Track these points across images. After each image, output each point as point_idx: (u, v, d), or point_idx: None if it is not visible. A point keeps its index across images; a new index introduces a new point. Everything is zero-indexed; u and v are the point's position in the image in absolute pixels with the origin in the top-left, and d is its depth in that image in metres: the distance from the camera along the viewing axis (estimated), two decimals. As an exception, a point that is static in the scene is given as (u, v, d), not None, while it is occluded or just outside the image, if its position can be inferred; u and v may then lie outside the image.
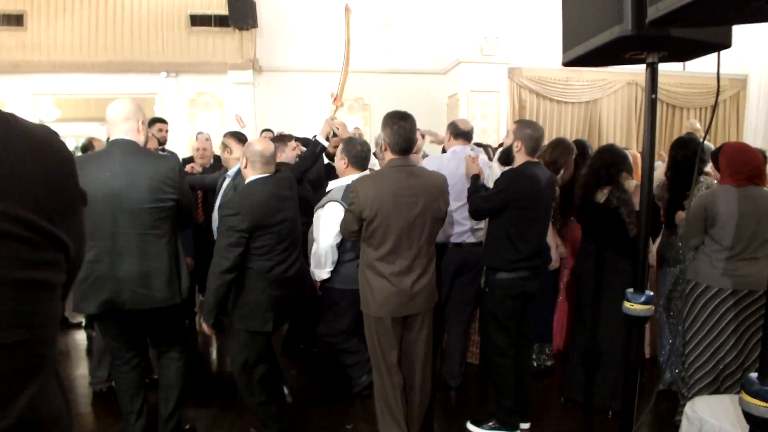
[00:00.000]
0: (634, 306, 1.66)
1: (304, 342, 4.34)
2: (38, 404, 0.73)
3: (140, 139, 2.58)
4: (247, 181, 2.81)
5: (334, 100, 4.46)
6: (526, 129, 2.93)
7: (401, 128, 2.63)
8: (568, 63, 1.76)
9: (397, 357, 2.75)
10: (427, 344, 2.85)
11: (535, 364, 3.78)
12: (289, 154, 3.84)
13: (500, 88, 8.40)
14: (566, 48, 1.73)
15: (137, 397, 2.80)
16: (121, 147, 2.51)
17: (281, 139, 4.00)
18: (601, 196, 3.15)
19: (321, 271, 3.28)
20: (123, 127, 2.52)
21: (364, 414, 3.33)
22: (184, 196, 2.66)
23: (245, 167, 2.78)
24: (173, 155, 5.02)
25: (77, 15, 7.88)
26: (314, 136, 3.91)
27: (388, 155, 2.70)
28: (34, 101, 8.11)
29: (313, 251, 3.29)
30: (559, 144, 3.72)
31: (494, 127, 8.34)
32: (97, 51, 7.91)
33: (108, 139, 2.61)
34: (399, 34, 8.47)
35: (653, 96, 1.60)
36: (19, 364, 0.71)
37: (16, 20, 7.80)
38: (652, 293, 1.67)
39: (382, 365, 2.74)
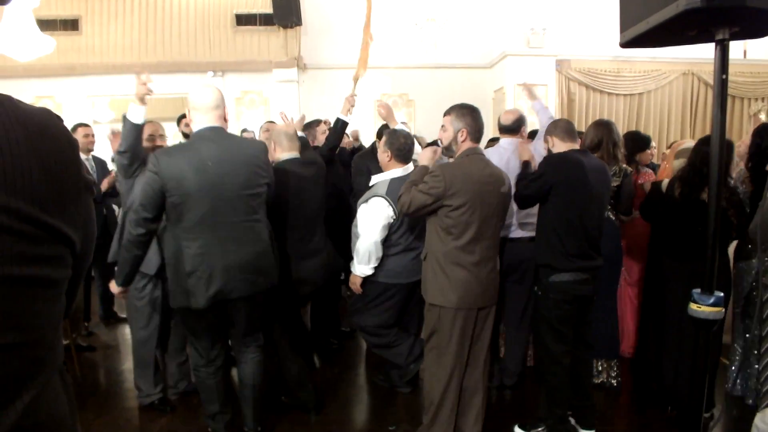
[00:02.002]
0: (701, 308, 1.52)
1: (338, 337, 4.37)
2: (38, 410, 0.68)
3: (225, 126, 2.59)
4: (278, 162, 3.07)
5: (357, 70, 4.39)
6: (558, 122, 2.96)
7: (478, 114, 2.68)
8: (626, 44, 1.61)
9: (468, 353, 2.70)
10: (490, 339, 2.79)
11: (597, 381, 3.57)
12: (320, 138, 4.18)
13: (548, 80, 8.14)
14: (624, 27, 1.59)
15: (224, 400, 2.78)
16: (214, 134, 2.48)
17: (310, 125, 4.28)
18: (705, 194, 2.83)
19: (364, 267, 3.21)
20: (213, 114, 2.49)
21: (406, 414, 3.24)
22: (272, 181, 2.70)
23: (273, 150, 3.04)
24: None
25: (129, 18, 8.09)
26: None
27: (467, 144, 2.67)
28: (89, 102, 8.37)
29: (356, 247, 3.22)
30: (601, 124, 3.43)
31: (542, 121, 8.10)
32: (147, 52, 8.11)
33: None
34: (444, 28, 8.32)
35: (723, 76, 1.45)
36: (13, 368, 0.65)
37: (72, 25, 8.08)
38: (722, 294, 1.52)
39: (450, 363, 2.65)
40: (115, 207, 5.19)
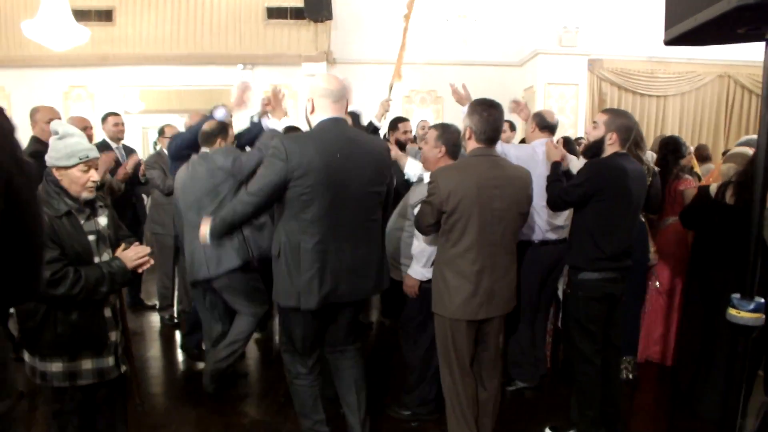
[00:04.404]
0: (741, 314, 1.48)
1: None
2: None
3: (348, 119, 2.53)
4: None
5: (393, 76, 4.30)
6: (621, 119, 2.70)
7: (490, 116, 2.47)
8: (671, 41, 1.57)
9: (470, 359, 2.61)
10: (499, 345, 2.70)
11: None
12: None
13: (579, 80, 8.05)
14: (669, 24, 1.55)
15: (321, 406, 2.65)
16: (340, 126, 2.37)
17: None
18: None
19: (423, 270, 2.89)
20: (340, 104, 2.38)
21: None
22: (392, 181, 2.57)
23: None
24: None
25: (161, 10, 8.19)
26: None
27: (472, 144, 2.54)
28: (121, 93, 8.50)
29: (413, 249, 2.94)
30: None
31: (572, 121, 8.00)
32: (178, 44, 8.20)
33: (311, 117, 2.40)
34: (475, 24, 8.25)
35: (773, 77, 1.41)
36: None
37: (106, 15, 8.21)
38: (762, 300, 1.48)
39: (455, 368, 2.59)
40: (144, 196, 5.26)
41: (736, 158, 3.30)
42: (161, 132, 5.01)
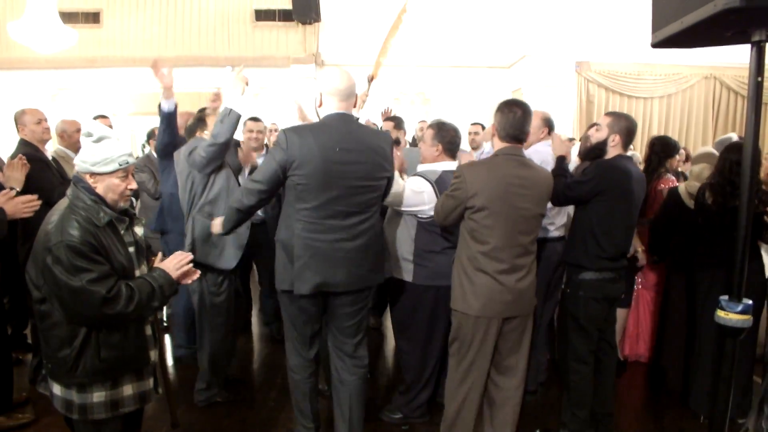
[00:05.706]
0: (729, 315, 1.49)
1: None
2: None
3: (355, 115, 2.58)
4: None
5: (369, 75, 4.33)
6: (624, 121, 2.75)
7: (512, 113, 2.49)
8: (658, 44, 1.59)
9: (489, 364, 2.60)
10: (526, 353, 2.65)
11: None
12: None
13: (567, 82, 8.10)
14: (656, 27, 1.56)
15: (316, 403, 2.71)
16: (344, 121, 2.44)
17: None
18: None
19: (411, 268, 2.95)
20: (348, 102, 2.46)
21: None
22: (392, 175, 2.60)
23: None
24: None
25: (149, 12, 8.18)
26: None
27: (497, 143, 2.57)
28: (109, 95, 8.44)
29: (407, 246, 2.97)
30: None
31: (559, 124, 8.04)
32: (166, 46, 8.19)
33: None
34: (463, 27, 8.29)
35: (759, 79, 1.42)
36: None
37: (93, 18, 8.17)
38: (750, 302, 1.49)
39: (470, 368, 2.57)
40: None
41: (707, 158, 3.35)
42: (151, 135, 4.98)
